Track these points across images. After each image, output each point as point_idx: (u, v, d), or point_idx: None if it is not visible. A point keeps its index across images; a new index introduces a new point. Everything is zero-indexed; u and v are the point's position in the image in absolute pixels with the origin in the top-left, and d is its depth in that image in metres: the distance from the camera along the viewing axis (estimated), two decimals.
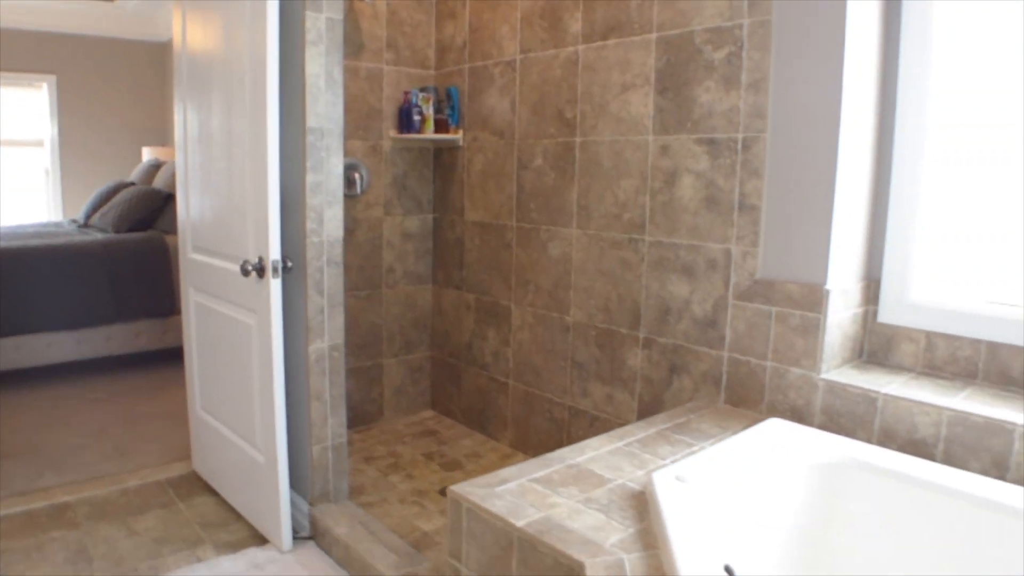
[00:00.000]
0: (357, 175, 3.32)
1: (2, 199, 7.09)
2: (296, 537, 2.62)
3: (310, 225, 2.41)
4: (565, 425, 2.98)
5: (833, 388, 2.11)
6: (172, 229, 4.79)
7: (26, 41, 6.84)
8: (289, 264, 2.46)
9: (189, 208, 2.94)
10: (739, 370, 2.34)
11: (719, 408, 2.34)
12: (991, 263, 2.11)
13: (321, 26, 2.36)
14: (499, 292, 3.26)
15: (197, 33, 2.75)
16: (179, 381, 4.42)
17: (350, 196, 3.33)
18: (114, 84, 7.42)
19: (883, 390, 2.01)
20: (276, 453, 2.45)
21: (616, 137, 2.65)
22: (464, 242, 3.44)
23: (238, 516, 2.84)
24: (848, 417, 2.08)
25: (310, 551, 2.57)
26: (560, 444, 2.95)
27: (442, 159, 3.52)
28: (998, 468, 1.83)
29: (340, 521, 2.53)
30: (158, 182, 5.61)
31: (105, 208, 5.44)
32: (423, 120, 3.31)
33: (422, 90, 3.34)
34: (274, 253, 2.31)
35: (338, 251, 2.49)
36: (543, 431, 3.09)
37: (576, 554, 1.42)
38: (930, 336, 2.18)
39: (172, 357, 4.84)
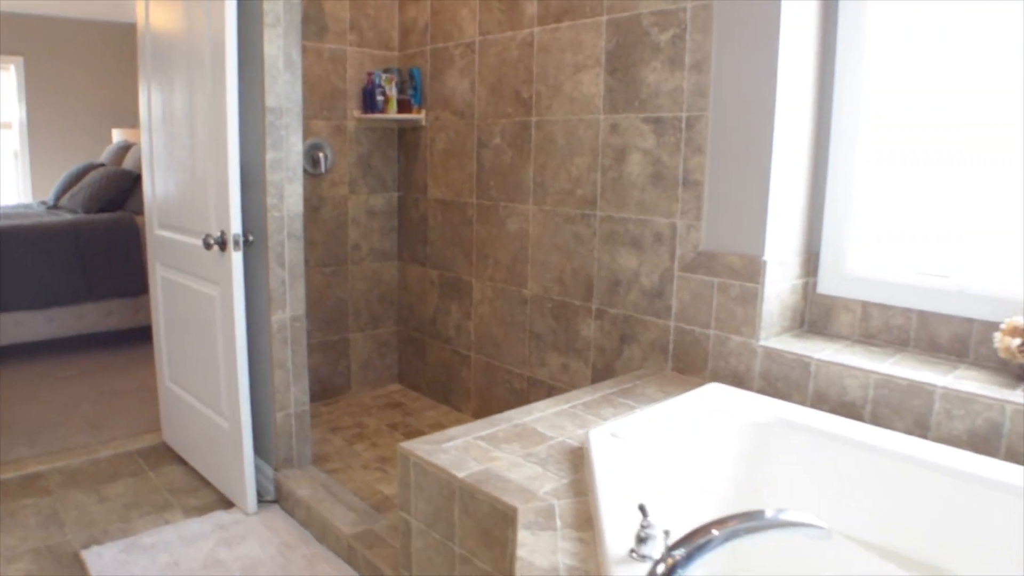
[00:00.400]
0: (322, 154, 3.40)
1: None
2: (261, 501, 2.72)
3: (270, 200, 2.50)
4: (524, 394, 3.09)
5: (771, 354, 2.23)
6: (142, 210, 4.84)
7: None
8: (250, 238, 2.55)
9: (155, 186, 3.02)
10: (684, 338, 2.45)
11: (666, 375, 2.46)
12: (923, 236, 2.22)
13: (279, 8, 2.44)
14: (461, 267, 3.36)
15: (160, 15, 2.82)
16: (149, 359, 4.49)
17: (315, 175, 3.42)
18: (83, 66, 7.41)
19: (816, 356, 2.13)
20: (240, 419, 2.55)
21: (569, 116, 2.75)
22: (427, 219, 3.53)
23: (206, 483, 2.94)
24: (784, 381, 2.20)
25: (274, 514, 2.67)
26: None
27: (406, 139, 3.61)
28: (920, 427, 1.95)
29: (303, 484, 2.63)
30: (128, 163, 5.65)
31: (75, 189, 5.47)
32: (386, 100, 3.39)
33: (385, 71, 3.42)
34: (235, 227, 2.40)
35: (298, 225, 2.58)
36: (504, 401, 3.20)
37: (511, 500, 1.54)
38: (865, 306, 2.30)
39: (143, 336, 4.91)
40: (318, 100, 3.36)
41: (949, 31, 2.09)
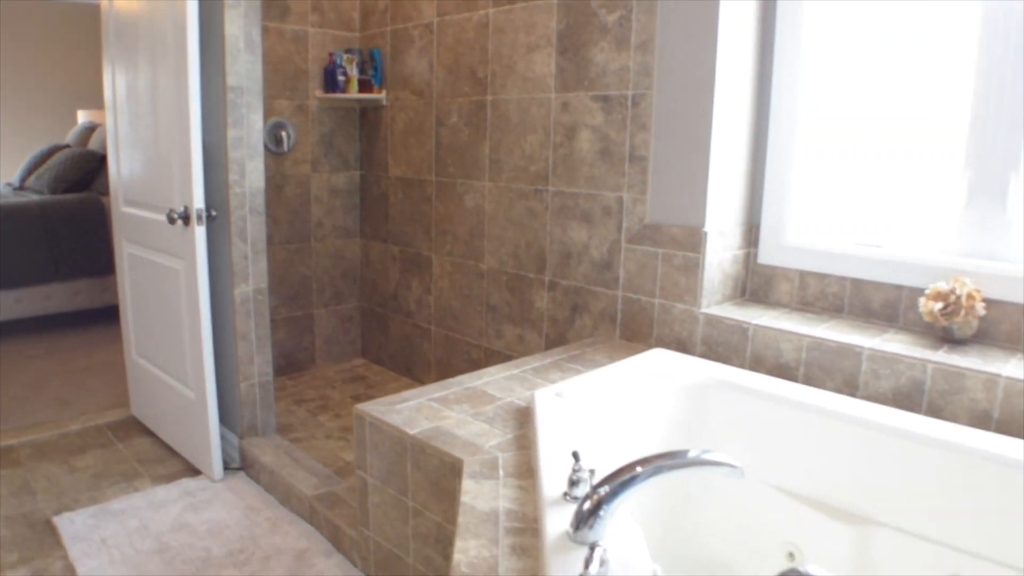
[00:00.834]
0: (284, 133, 3.47)
1: None
2: (227, 468, 2.82)
3: (232, 177, 2.58)
4: (482, 365, 3.20)
5: (711, 321, 2.35)
6: (107, 190, 4.86)
7: None
8: (213, 213, 2.64)
9: (120, 164, 3.08)
10: (631, 307, 2.57)
11: (614, 343, 2.58)
12: (856, 209, 2.36)
13: None
14: (421, 243, 3.45)
15: None
16: (117, 337, 4.55)
17: (278, 153, 3.49)
18: (47, 47, 7.37)
19: (753, 322, 2.26)
20: (206, 389, 2.64)
21: (523, 95, 2.85)
22: (388, 197, 3.62)
23: (173, 453, 3.02)
24: (724, 346, 2.33)
25: (240, 480, 2.77)
26: None
27: (367, 118, 3.69)
28: (849, 386, 2.09)
29: (267, 452, 2.73)
30: (93, 144, 5.66)
31: (40, 170, 5.48)
32: (347, 80, 3.47)
33: (346, 51, 3.49)
34: (198, 202, 2.48)
35: (260, 201, 2.66)
36: (462, 372, 3.30)
37: (458, 453, 1.65)
38: (803, 275, 2.43)
39: (110, 315, 4.96)
40: (280, 80, 3.43)
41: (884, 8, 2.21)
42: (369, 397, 3.50)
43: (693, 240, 2.37)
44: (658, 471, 1.24)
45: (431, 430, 1.79)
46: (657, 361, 2.23)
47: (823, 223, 2.42)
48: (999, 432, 1.81)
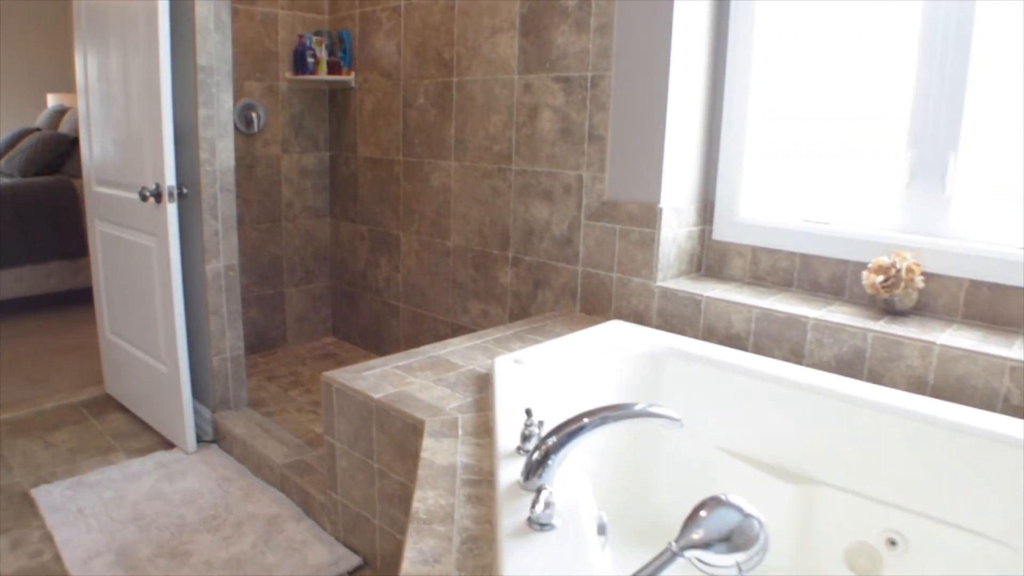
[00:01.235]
0: (254, 114, 3.53)
1: None
2: (200, 441, 2.89)
3: (203, 155, 2.64)
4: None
5: (666, 294, 2.46)
6: (79, 173, 4.89)
7: None
8: (184, 190, 2.70)
9: (92, 145, 3.12)
10: (591, 282, 2.67)
11: (575, 316, 2.68)
12: (806, 187, 2.46)
13: None
14: (389, 222, 3.53)
15: None
16: (90, 319, 4.58)
17: (248, 134, 3.54)
18: (16, 30, 7.31)
19: (706, 294, 2.36)
20: (179, 363, 2.71)
21: (487, 77, 2.93)
22: (357, 177, 3.69)
23: (147, 427, 3.09)
24: (679, 318, 2.43)
25: (213, 452, 2.84)
26: None
27: (336, 99, 3.75)
28: (796, 355, 2.20)
29: (239, 424, 2.80)
30: (64, 127, 5.66)
31: (11, 154, 5.47)
32: (317, 62, 3.53)
33: (316, 34, 3.55)
34: (169, 179, 2.55)
35: (230, 179, 2.73)
36: None
37: (419, 415, 1.74)
38: (755, 251, 2.54)
39: (83, 297, 4.99)
40: (250, 61, 3.48)
41: None
42: None
43: (649, 216, 2.47)
44: (604, 421, 1.34)
45: (395, 395, 1.88)
46: (613, 332, 2.33)
47: (775, 201, 2.52)
48: (934, 396, 1.93)
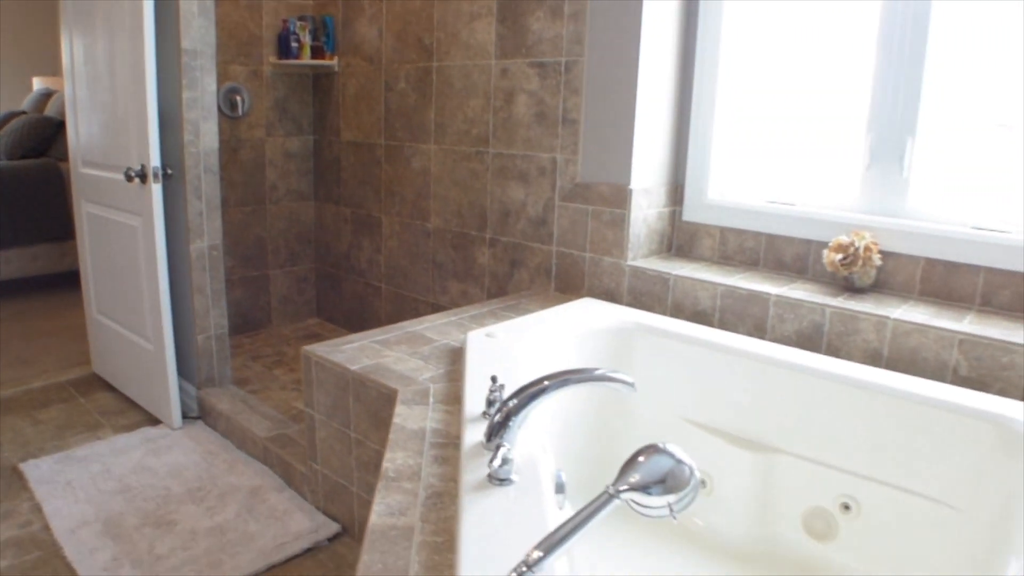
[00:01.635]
0: (239, 97, 3.58)
1: None
2: (186, 417, 2.97)
3: (187, 137, 2.71)
4: None
5: (636, 272, 2.54)
6: (65, 156, 4.93)
7: None
8: (169, 172, 2.77)
9: (78, 127, 3.18)
10: (564, 261, 2.76)
11: (549, 294, 2.76)
12: (772, 170, 2.55)
13: None
14: (371, 205, 3.60)
15: None
16: (76, 302, 4.64)
17: (233, 118, 3.60)
18: (1, 13, 7.31)
19: (674, 272, 2.45)
20: (164, 341, 2.79)
21: (465, 62, 3.00)
22: (340, 160, 3.76)
23: (134, 405, 3.17)
24: (648, 296, 2.52)
25: (198, 428, 2.92)
26: None
27: (320, 84, 3.81)
28: (759, 330, 2.29)
29: (223, 400, 2.88)
30: (50, 110, 5.69)
31: None
32: (300, 47, 3.59)
33: (300, 19, 3.61)
34: (154, 160, 2.61)
35: (214, 160, 2.80)
36: None
37: (393, 385, 1.82)
38: (723, 231, 2.63)
39: (70, 280, 5.04)
40: (235, 45, 3.54)
41: None
42: None
43: (620, 197, 2.55)
44: (564, 384, 1.41)
45: (371, 366, 1.96)
46: (584, 308, 2.42)
47: (742, 183, 2.61)
48: (888, 368, 2.03)
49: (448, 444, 1.51)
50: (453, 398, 1.76)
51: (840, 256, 2.25)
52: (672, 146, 2.67)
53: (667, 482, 0.94)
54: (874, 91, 2.26)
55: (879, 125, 2.27)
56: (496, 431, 1.39)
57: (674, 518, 0.92)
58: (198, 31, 2.69)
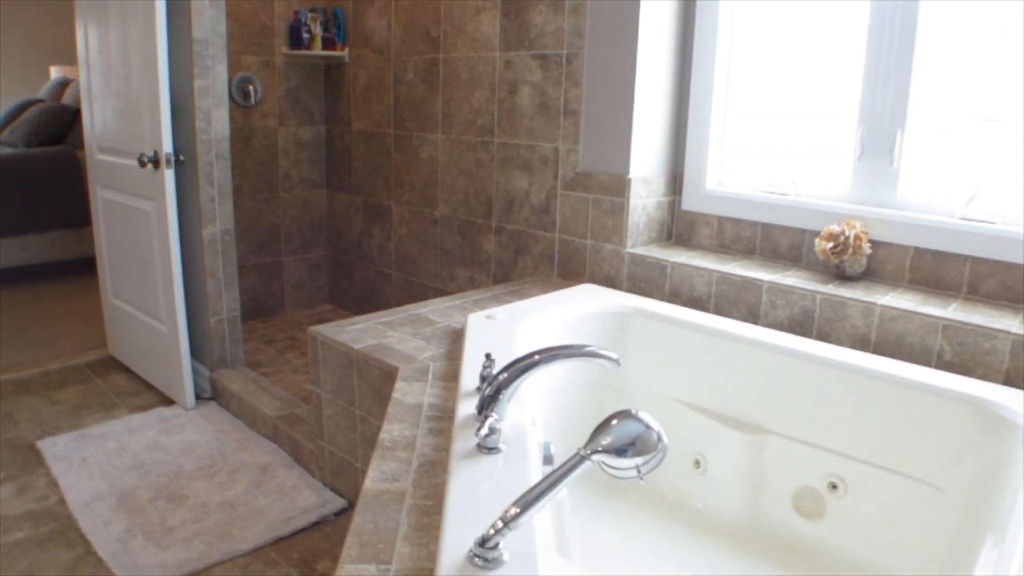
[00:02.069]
0: (251, 87, 3.67)
1: None
2: (199, 398, 3.07)
3: (199, 124, 2.80)
4: None
5: (635, 259, 2.61)
6: (82, 144, 5.03)
7: None
8: (181, 158, 2.86)
9: (93, 115, 3.28)
10: (567, 248, 2.83)
11: (552, 280, 2.83)
12: (767, 160, 2.61)
13: None
14: (381, 193, 3.69)
15: None
16: (93, 287, 4.75)
17: (245, 107, 3.69)
18: (19, 3, 7.42)
19: (671, 260, 2.52)
20: (177, 323, 2.88)
21: (471, 54, 3.07)
22: (351, 149, 3.84)
23: (149, 386, 3.26)
24: (647, 282, 2.59)
25: (211, 408, 3.02)
26: None
27: (331, 74, 3.89)
28: (752, 316, 2.36)
29: (235, 381, 2.97)
30: (67, 99, 5.80)
31: (15, 124, 5.62)
32: (312, 38, 3.67)
33: (311, 10, 3.69)
34: (167, 146, 2.70)
35: (225, 147, 2.89)
36: None
37: (394, 363, 1.90)
38: (721, 220, 2.69)
39: (86, 266, 5.15)
40: (248, 36, 3.62)
41: None
42: None
43: (619, 186, 2.62)
44: (554, 358, 1.49)
45: (374, 346, 2.04)
46: (583, 293, 2.49)
47: (738, 174, 2.67)
48: (875, 353, 2.09)
49: (443, 418, 1.58)
50: (451, 375, 1.84)
51: (831, 245, 2.31)
52: (670, 137, 2.73)
53: (636, 446, 1.01)
54: (865, 84, 2.32)
55: (870, 118, 2.32)
56: (487, 404, 1.47)
57: (641, 479, 1.00)
58: (209, 21, 2.77)
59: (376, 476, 1.31)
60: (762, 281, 2.31)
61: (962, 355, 1.95)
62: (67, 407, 3.08)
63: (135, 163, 2.91)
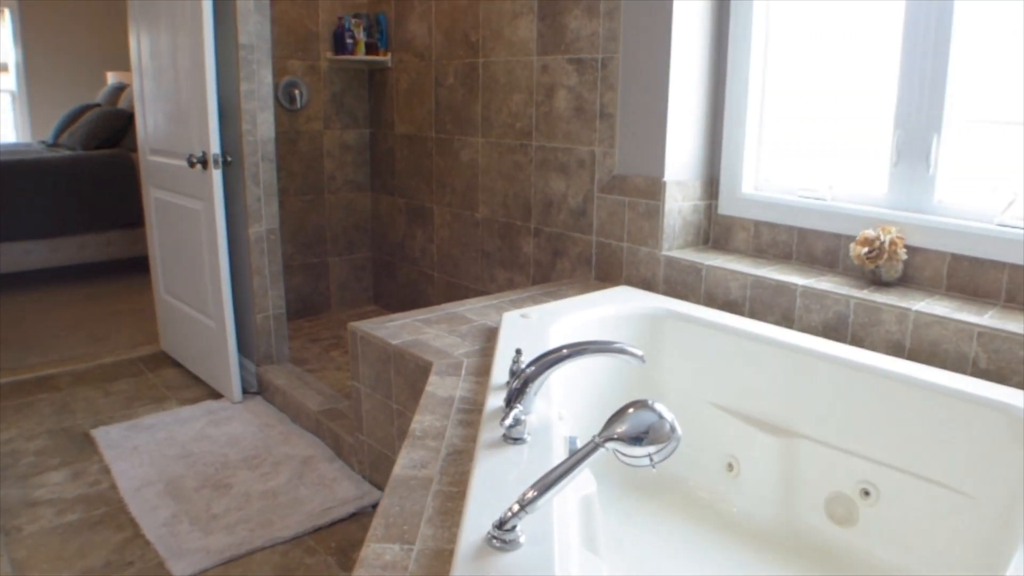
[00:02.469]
0: (297, 91, 3.77)
1: None
2: (245, 392, 3.17)
3: (245, 126, 2.90)
4: None
5: (671, 262, 2.64)
6: (136, 147, 5.19)
7: None
8: (229, 159, 2.97)
9: (146, 118, 3.41)
10: (604, 251, 2.87)
11: (589, 282, 2.87)
12: (804, 165, 2.61)
13: None
14: (423, 196, 3.76)
15: None
16: (146, 285, 4.91)
17: (292, 110, 3.80)
18: (77, 9, 7.67)
19: (706, 263, 2.54)
20: (225, 318, 2.98)
21: (509, 58, 3.13)
22: (394, 152, 3.92)
23: (198, 380, 3.38)
24: (682, 285, 2.61)
25: (257, 402, 3.11)
26: None
27: (374, 79, 3.98)
28: (787, 320, 2.37)
29: (280, 377, 3.07)
30: (122, 103, 5.99)
31: (73, 128, 5.83)
32: (355, 43, 3.76)
33: (354, 16, 3.78)
34: (214, 147, 2.81)
35: (271, 149, 2.99)
36: None
37: (429, 358, 1.96)
38: (757, 225, 2.70)
39: (141, 265, 5.32)
40: (293, 41, 3.73)
41: None
42: None
43: (654, 189, 2.65)
44: (581, 353, 1.53)
45: (411, 341, 2.10)
46: (618, 295, 2.52)
47: (774, 178, 2.68)
48: (910, 359, 2.08)
49: (473, 410, 1.64)
50: (483, 371, 1.89)
51: (866, 250, 2.31)
52: (706, 140, 2.76)
53: (649, 435, 1.05)
54: (900, 89, 2.31)
55: (905, 122, 2.32)
56: (515, 396, 1.52)
57: (653, 467, 1.03)
58: (254, 27, 2.88)
59: (405, 463, 1.37)
60: (796, 285, 2.32)
61: (997, 363, 1.94)
62: (120, 398, 3.20)
63: (185, 164, 3.02)
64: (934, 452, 1.88)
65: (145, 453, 2.70)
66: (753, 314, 2.43)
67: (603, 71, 2.76)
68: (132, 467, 2.60)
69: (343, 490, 2.46)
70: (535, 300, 2.59)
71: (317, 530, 2.27)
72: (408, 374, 2.05)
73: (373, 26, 3.81)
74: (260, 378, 3.15)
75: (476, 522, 1.12)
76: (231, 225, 3.06)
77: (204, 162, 2.87)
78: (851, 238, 2.45)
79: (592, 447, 1.04)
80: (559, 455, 1.38)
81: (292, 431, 2.86)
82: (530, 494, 1.04)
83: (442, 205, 3.65)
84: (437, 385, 1.77)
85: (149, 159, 3.44)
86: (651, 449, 1.04)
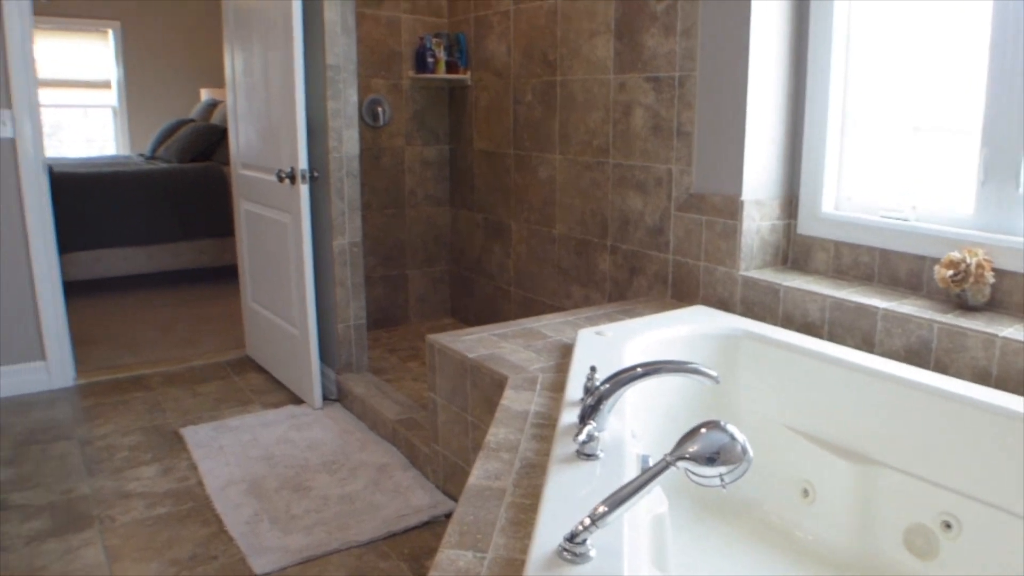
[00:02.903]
0: (380, 109, 3.89)
1: (75, 135, 7.83)
2: (326, 399, 3.27)
3: (331, 143, 3.01)
4: None
5: (748, 282, 2.62)
6: (228, 161, 5.40)
7: None
8: (316, 174, 3.09)
9: (238, 133, 3.57)
10: (680, 269, 2.87)
11: (665, 301, 2.88)
12: (886, 184, 2.57)
13: None
14: (502, 212, 3.82)
15: None
16: (235, 293, 5.10)
17: (375, 127, 3.91)
18: (174, 30, 8.05)
19: (784, 283, 2.52)
20: (308, 327, 3.09)
21: (586, 76, 3.17)
22: (473, 168, 4.00)
23: (281, 386, 3.50)
24: (760, 306, 2.60)
25: (336, 409, 3.21)
26: None
27: (454, 96, 4.07)
28: (867, 344, 2.33)
29: (359, 385, 3.16)
30: (215, 119, 6.25)
31: (169, 142, 6.10)
32: (436, 62, 3.86)
33: (435, 36, 3.88)
34: (302, 163, 2.92)
35: (355, 165, 3.09)
36: None
37: (505, 372, 2.00)
38: (837, 245, 2.67)
39: (230, 273, 5.53)
40: (376, 61, 3.85)
41: None
42: None
43: (731, 208, 2.64)
44: (655, 372, 1.54)
45: (487, 355, 2.15)
46: (695, 314, 2.52)
47: (856, 196, 2.64)
48: (997, 388, 2.01)
49: (547, 425, 1.67)
50: (558, 386, 1.92)
51: (951, 273, 2.26)
52: (785, 160, 2.74)
53: (721, 455, 1.06)
54: (987, 106, 2.26)
55: (993, 139, 2.27)
56: (589, 413, 1.55)
57: (723, 487, 1.05)
58: (341, 48, 2.99)
59: (480, 474, 1.41)
60: (877, 308, 2.28)
61: None
62: (208, 400, 3.34)
63: (274, 178, 3.15)
64: (1021, 485, 1.82)
65: (230, 453, 2.81)
66: (832, 337, 2.40)
67: (680, 89, 2.77)
68: (218, 466, 2.72)
69: (417, 498, 2.52)
70: (611, 317, 2.61)
71: (391, 536, 2.33)
72: (484, 387, 2.10)
73: (453, 45, 3.90)
74: (340, 386, 3.24)
75: (548, 534, 1.15)
76: (316, 237, 3.17)
77: (292, 177, 2.99)
78: (935, 260, 2.40)
79: (663, 465, 1.07)
80: (631, 472, 1.40)
81: (369, 438, 2.94)
82: (601, 509, 1.07)
83: (520, 221, 3.70)
84: (512, 399, 1.81)
85: (240, 173, 3.59)
86: (722, 469, 1.05)
